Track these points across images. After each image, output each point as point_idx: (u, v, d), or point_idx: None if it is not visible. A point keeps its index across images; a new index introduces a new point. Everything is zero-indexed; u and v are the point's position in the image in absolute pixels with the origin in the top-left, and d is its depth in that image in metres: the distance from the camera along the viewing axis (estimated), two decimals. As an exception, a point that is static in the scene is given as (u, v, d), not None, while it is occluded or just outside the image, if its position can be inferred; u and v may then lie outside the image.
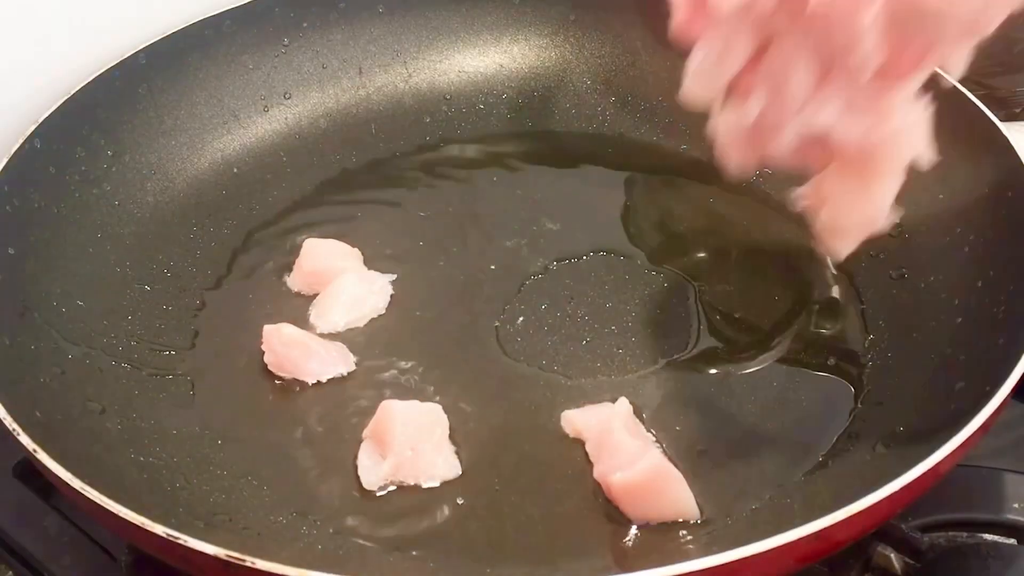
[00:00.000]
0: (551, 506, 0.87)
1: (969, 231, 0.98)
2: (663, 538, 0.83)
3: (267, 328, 0.99)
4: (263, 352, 0.98)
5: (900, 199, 1.06)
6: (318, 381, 0.97)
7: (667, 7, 0.84)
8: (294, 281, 1.08)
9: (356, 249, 1.10)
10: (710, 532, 0.83)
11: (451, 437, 0.91)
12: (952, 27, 0.70)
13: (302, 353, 0.98)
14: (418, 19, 1.31)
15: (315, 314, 1.04)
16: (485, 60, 1.32)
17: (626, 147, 1.15)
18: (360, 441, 0.91)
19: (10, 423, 0.78)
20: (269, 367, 0.98)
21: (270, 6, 1.24)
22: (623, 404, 0.91)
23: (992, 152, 0.98)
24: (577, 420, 0.92)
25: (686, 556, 0.68)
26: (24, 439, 0.77)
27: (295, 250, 1.09)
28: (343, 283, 1.04)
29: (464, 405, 0.95)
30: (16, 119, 1.05)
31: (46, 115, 1.04)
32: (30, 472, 0.94)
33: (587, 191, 1.20)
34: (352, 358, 1.00)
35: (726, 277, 1.08)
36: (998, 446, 0.94)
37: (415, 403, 0.92)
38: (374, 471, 0.88)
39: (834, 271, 1.05)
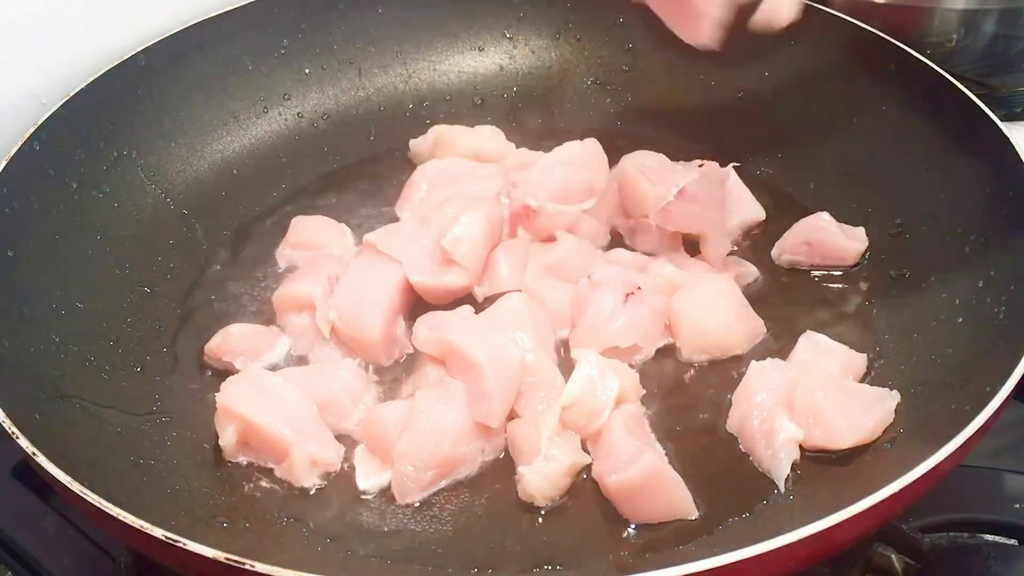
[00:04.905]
0: (550, 505, 0.87)
1: (969, 231, 0.98)
2: (663, 538, 0.84)
3: (209, 345, 0.99)
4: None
5: (901, 197, 1.07)
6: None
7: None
8: (282, 255, 1.10)
9: (343, 224, 1.11)
10: (711, 533, 0.84)
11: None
12: None
13: (251, 344, 0.99)
14: (418, 20, 1.31)
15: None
16: (485, 60, 1.32)
17: (626, 146, 1.15)
18: (356, 445, 0.92)
19: (9, 426, 0.78)
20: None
21: (270, 7, 1.24)
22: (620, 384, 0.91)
23: (992, 152, 0.98)
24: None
25: (687, 557, 0.67)
26: (23, 442, 0.77)
27: (294, 251, 1.10)
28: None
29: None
30: (15, 121, 1.06)
31: (45, 117, 1.04)
32: (29, 473, 0.94)
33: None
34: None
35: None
36: (998, 446, 0.94)
37: (404, 403, 0.92)
38: (371, 475, 0.89)
39: (835, 272, 1.05)
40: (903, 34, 1.10)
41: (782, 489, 0.86)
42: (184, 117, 1.18)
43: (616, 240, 1.11)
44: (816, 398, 0.87)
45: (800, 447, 0.88)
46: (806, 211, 1.09)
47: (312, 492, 0.88)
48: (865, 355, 0.95)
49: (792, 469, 0.87)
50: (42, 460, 0.76)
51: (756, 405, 0.89)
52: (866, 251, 1.06)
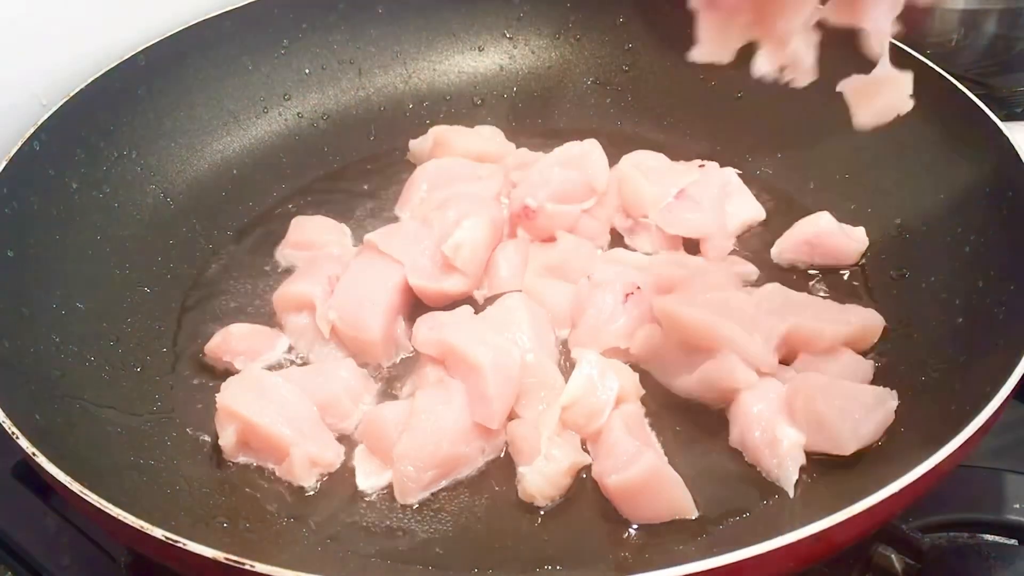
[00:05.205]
0: (550, 505, 0.87)
1: (969, 231, 0.98)
2: (663, 538, 0.84)
3: (209, 345, 0.99)
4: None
5: (901, 197, 1.07)
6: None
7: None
8: (282, 255, 1.10)
9: (343, 224, 1.12)
10: (711, 533, 0.83)
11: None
12: None
13: (251, 344, 0.99)
14: (418, 20, 1.31)
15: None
16: (485, 60, 1.32)
17: (626, 146, 1.15)
18: (356, 445, 0.92)
19: (9, 426, 0.78)
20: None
21: (270, 7, 1.24)
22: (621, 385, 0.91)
23: (992, 152, 0.98)
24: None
25: (687, 557, 0.67)
26: (23, 442, 0.77)
27: (294, 251, 1.10)
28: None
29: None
30: (15, 121, 1.06)
31: (45, 117, 1.04)
32: (29, 473, 0.94)
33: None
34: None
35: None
36: (998, 447, 0.94)
37: (404, 403, 0.92)
38: (371, 475, 0.89)
39: (835, 272, 1.06)
40: (903, 34, 1.10)
41: (792, 495, 0.85)
42: (184, 117, 1.18)
43: (616, 240, 1.11)
44: (816, 405, 0.87)
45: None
46: (806, 211, 1.09)
47: (312, 492, 0.88)
48: (872, 363, 0.94)
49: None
50: (42, 460, 0.76)
51: (754, 417, 0.88)
52: (866, 251, 1.06)
